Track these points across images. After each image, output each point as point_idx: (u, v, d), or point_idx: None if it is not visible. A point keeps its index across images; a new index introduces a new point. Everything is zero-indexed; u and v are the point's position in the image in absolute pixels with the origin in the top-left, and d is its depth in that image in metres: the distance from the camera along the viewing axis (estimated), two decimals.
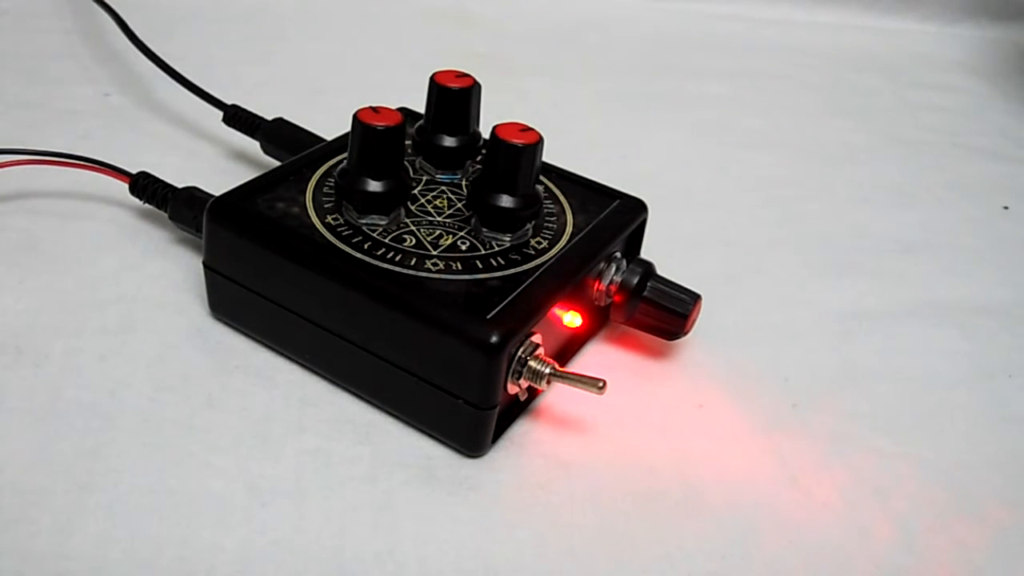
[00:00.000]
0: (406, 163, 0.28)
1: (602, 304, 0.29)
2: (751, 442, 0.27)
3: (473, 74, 0.29)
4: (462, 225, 0.27)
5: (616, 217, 0.29)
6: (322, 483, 0.24)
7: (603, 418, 0.27)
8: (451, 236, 0.26)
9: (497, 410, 0.24)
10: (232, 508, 0.23)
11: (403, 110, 0.32)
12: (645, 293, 0.28)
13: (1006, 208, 0.42)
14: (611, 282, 0.28)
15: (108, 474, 0.23)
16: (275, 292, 0.26)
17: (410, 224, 0.27)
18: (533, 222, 0.27)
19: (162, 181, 0.31)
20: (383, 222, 0.26)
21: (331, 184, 0.28)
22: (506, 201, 0.26)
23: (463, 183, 0.29)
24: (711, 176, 0.41)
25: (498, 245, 0.26)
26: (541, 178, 0.30)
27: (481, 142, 0.30)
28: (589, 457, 0.26)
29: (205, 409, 0.25)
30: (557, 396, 0.27)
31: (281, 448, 0.25)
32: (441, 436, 0.25)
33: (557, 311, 0.26)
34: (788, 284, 0.34)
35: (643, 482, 0.25)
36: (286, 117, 0.35)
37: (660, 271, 0.29)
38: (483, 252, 0.26)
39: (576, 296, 0.27)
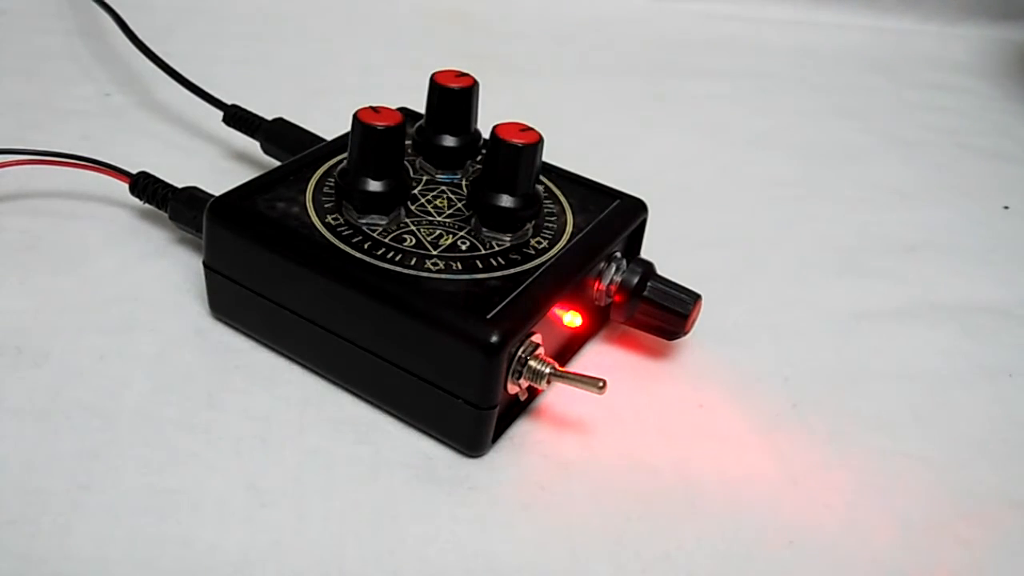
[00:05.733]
0: (406, 163, 0.28)
1: (602, 304, 0.29)
2: (751, 442, 0.27)
3: (473, 74, 0.29)
4: (462, 225, 0.27)
5: (616, 217, 0.29)
6: (322, 483, 0.24)
7: (603, 418, 0.27)
8: (451, 236, 0.26)
9: (497, 410, 0.24)
10: (232, 508, 0.23)
11: (403, 110, 0.32)
12: (645, 293, 0.28)
13: (1006, 208, 0.42)
14: (611, 282, 0.28)
15: (108, 474, 0.23)
16: (275, 292, 0.26)
17: (410, 224, 0.27)
18: (533, 222, 0.27)
19: (162, 181, 0.31)
20: (383, 222, 0.26)
21: (331, 184, 0.28)
22: (506, 201, 0.26)
23: (463, 183, 0.29)
24: (711, 176, 0.41)
25: (498, 245, 0.26)
26: (541, 178, 0.30)
27: (481, 142, 0.30)
28: (589, 457, 0.26)
29: (205, 409, 0.25)
30: (557, 396, 0.27)
31: (281, 448, 0.25)
32: (441, 436, 0.25)
33: (557, 311, 0.26)
34: (788, 284, 0.34)
35: (643, 482, 0.25)
36: (286, 117, 0.35)
37: (660, 271, 0.29)
38: (483, 252, 0.26)
39: (576, 296, 0.27)
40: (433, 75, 0.29)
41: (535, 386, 0.24)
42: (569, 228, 0.28)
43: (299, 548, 0.22)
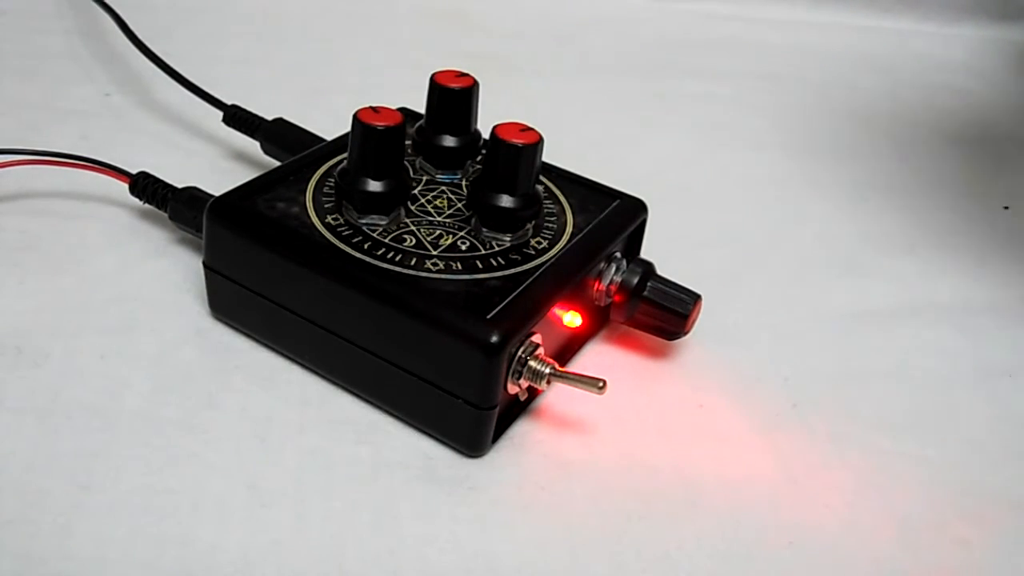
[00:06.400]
0: (406, 163, 0.28)
1: (602, 304, 0.29)
2: (751, 442, 0.27)
3: (473, 74, 0.29)
4: (462, 225, 0.27)
5: (616, 217, 0.29)
6: (322, 483, 0.24)
7: (603, 418, 0.27)
8: (451, 236, 0.26)
9: (497, 410, 0.24)
10: (232, 508, 0.23)
11: (403, 110, 0.32)
12: (645, 293, 0.28)
13: (1006, 208, 0.42)
14: (611, 282, 0.28)
15: (108, 474, 0.23)
16: (275, 292, 0.26)
17: (410, 224, 0.27)
18: (533, 222, 0.27)
19: (162, 181, 0.31)
20: (383, 222, 0.26)
21: (331, 184, 0.28)
22: (506, 201, 0.26)
23: (463, 183, 0.29)
24: (711, 176, 0.41)
25: (498, 245, 0.26)
26: (541, 178, 0.30)
27: (481, 142, 0.30)
28: (589, 457, 0.26)
29: (205, 409, 0.25)
30: (557, 396, 0.27)
31: (281, 448, 0.25)
32: (441, 436, 0.25)
33: (557, 311, 0.26)
34: (788, 284, 0.34)
35: (643, 482, 0.25)
36: (286, 117, 0.35)
37: (660, 271, 0.29)
38: (483, 252, 0.26)
39: (576, 296, 0.27)
40: (433, 75, 0.29)
41: (535, 386, 0.24)
42: (569, 228, 0.28)
43: (299, 548, 0.22)
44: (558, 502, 0.24)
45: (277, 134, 0.34)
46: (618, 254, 0.28)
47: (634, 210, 0.29)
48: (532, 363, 0.24)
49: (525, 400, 0.26)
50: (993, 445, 0.28)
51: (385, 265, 0.25)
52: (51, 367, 0.26)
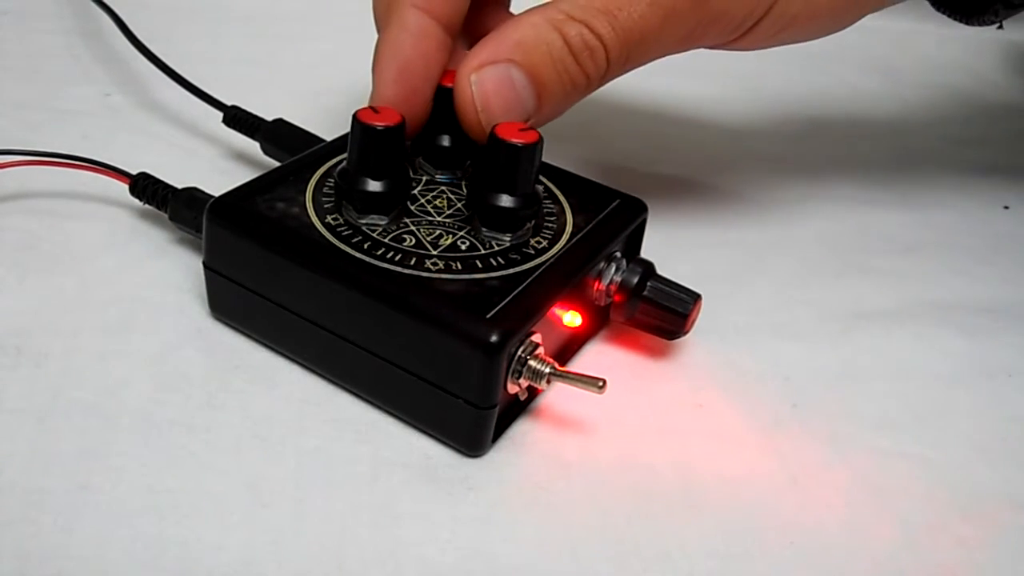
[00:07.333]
0: (406, 163, 0.28)
1: (602, 304, 0.29)
2: (751, 442, 0.27)
3: None
4: (462, 225, 0.27)
5: (616, 217, 0.29)
6: (322, 483, 0.24)
7: (603, 418, 0.27)
8: (451, 236, 0.26)
9: (497, 410, 0.24)
10: (232, 508, 0.23)
11: None
12: (645, 293, 0.28)
13: (1006, 208, 0.42)
14: (611, 282, 0.28)
15: (108, 474, 0.23)
16: (275, 292, 0.26)
17: (410, 224, 0.27)
18: (533, 222, 0.27)
19: (162, 182, 0.31)
20: (383, 222, 0.26)
21: (331, 184, 0.28)
22: (506, 201, 0.26)
23: (463, 183, 0.29)
24: (712, 176, 0.41)
25: (498, 245, 0.26)
26: (541, 178, 0.30)
27: None
28: (589, 457, 0.25)
29: (205, 409, 0.25)
30: (557, 396, 0.27)
31: (281, 448, 0.25)
32: (441, 436, 0.25)
33: (557, 311, 0.26)
34: (788, 284, 0.34)
35: (643, 482, 0.25)
36: (286, 117, 0.35)
37: (660, 271, 0.29)
38: (483, 252, 0.26)
39: (576, 296, 0.27)
40: None
41: (535, 386, 0.24)
42: (569, 228, 0.28)
43: (299, 548, 0.22)
44: (558, 502, 0.24)
45: (277, 134, 0.34)
46: (618, 254, 0.28)
47: (634, 210, 0.29)
48: (532, 363, 0.24)
49: (525, 400, 0.26)
50: (993, 445, 0.28)
51: (385, 265, 0.25)
52: (51, 367, 0.26)
